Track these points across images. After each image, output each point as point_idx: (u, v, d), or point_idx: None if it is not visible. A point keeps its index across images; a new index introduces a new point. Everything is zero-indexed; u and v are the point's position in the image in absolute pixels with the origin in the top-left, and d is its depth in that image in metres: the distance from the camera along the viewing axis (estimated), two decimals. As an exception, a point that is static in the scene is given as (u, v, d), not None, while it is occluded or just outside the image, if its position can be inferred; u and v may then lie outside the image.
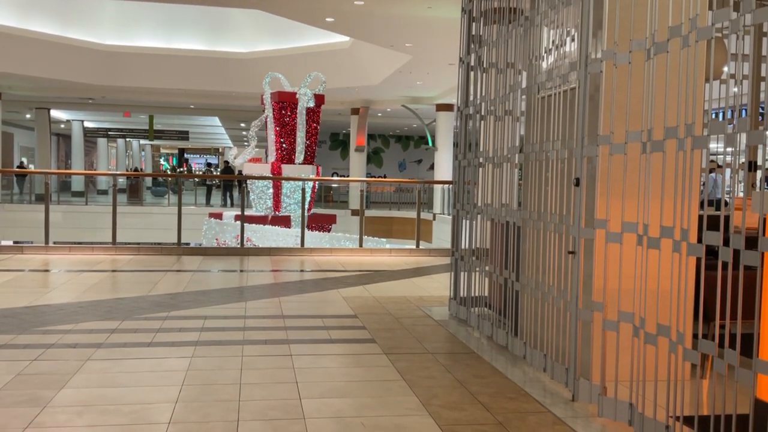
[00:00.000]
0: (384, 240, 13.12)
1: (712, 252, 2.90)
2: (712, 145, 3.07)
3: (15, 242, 13.27)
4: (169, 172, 51.11)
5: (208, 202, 24.63)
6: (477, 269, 5.33)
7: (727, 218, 2.79)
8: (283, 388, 3.76)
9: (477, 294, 5.35)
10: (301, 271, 8.44)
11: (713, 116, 3.31)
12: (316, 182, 17.15)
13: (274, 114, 15.30)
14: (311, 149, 15.56)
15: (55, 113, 30.02)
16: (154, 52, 20.07)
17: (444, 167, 22.64)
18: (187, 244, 10.79)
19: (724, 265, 2.69)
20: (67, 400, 3.48)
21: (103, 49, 19.70)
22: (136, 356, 4.35)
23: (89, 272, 7.62)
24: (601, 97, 3.66)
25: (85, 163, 35.06)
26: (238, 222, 11.87)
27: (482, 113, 5.31)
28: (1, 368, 3.99)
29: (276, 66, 17.56)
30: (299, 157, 15.28)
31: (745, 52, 2.82)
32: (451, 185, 7.82)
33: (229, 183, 24.44)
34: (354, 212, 19.67)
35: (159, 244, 12.06)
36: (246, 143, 22.67)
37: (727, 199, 4.10)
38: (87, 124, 35.12)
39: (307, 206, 12.58)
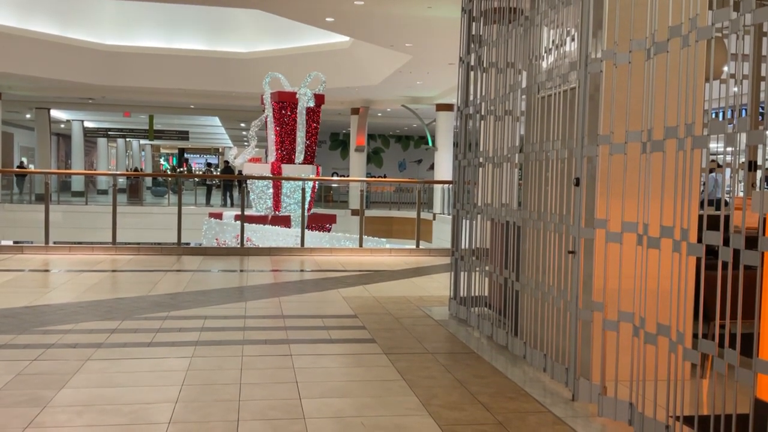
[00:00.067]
0: (384, 240, 13.12)
1: (712, 252, 2.90)
2: (712, 145, 3.07)
3: (15, 242, 13.27)
4: (169, 172, 51.12)
5: (208, 202, 24.63)
6: (477, 269, 5.33)
7: (727, 218, 2.79)
8: (283, 388, 3.76)
9: (477, 294, 5.35)
10: (301, 271, 8.44)
11: (713, 116, 3.31)
12: (316, 182, 17.15)
13: (274, 114, 15.30)
14: (311, 149, 15.56)
15: (55, 113, 30.03)
16: (154, 52, 20.07)
17: (444, 167, 22.64)
18: (187, 244, 10.79)
19: (724, 265, 2.69)
20: (67, 400, 3.48)
21: (103, 49, 19.70)
22: (136, 356, 4.35)
23: (89, 272, 7.62)
24: (601, 97, 3.66)
25: (85, 163, 35.07)
26: (238, 222, 11.88)
27: (482, 113, 5.31)
28: (1, 368, 3.99)
29: (276, 66, 17.57)
30: (299, 157, 15.28)
31: (745, 52, 2.82)
32: (451, 185, 7.82)
33: (229, 183, 24.44)
34: (354, 212, 19.68)
35: (159, 244, 12.06)
36: (246, 143, 22.67)
37: (727, 199, 4.10)
38: (87, 124, 35.12)
39: (307, 206, 12.59)
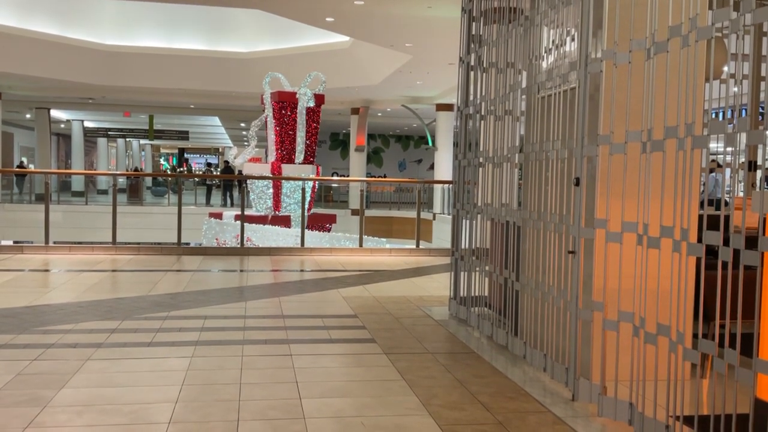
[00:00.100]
0: (384, 240, 13.12)
1: (712, 252, 2.90)
2: (712, 145, 3.07)
3: (15, 242, 13.27)
4: (169, 172, 51.11)
5: (208, 202, 24.63)
6: (477, 269, 5.33)
7: (727, 218, 2.79)
8: (283, 387, 3.77)
9: (477, 294, 5.35)
10: (301, 270, 8.44)
11: (713, 116, 3.31)
12: (316, 182, 17.16)
13: (274, 114, 15.30)
14: (311, 149, 15.56)
15: (55, 113, 30.03)
16: (154, 52, 20.07)
17: (444, 167, 22.64)
18: (187, 243, 10.79)
19: (724, 265, 2.69)
20: (67, 400, 3.48)
21: (103, 49, 19.70)
22: (136, 356, 4.35)
23: (89, 272, 7.62)
24: (601, 97, 3.66)
25: (85, 162, 35.07)
26: (238, 222, 11.88)
27: (482, 113, 5.31)
28: (1, 368, 3.99)
29: (276, 66, 17.57)
30: (299, 156, 15.28)
31: (745, 51, 2.82)
32: (451, 185, 7.82)
33: (229, 183, 24.44)
34: (354, 212, 19.68)
35: (159, 243, 12.06)
36: (246, 143, 22.67)
37: (727, 199, 4.10)
38: (87, 124, 35.13)
39: (307, 206, 12.59)
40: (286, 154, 15.34)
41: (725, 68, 4.59)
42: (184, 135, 38.60)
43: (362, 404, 3.53)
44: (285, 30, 18.08)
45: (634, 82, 3.39)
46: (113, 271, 7.91)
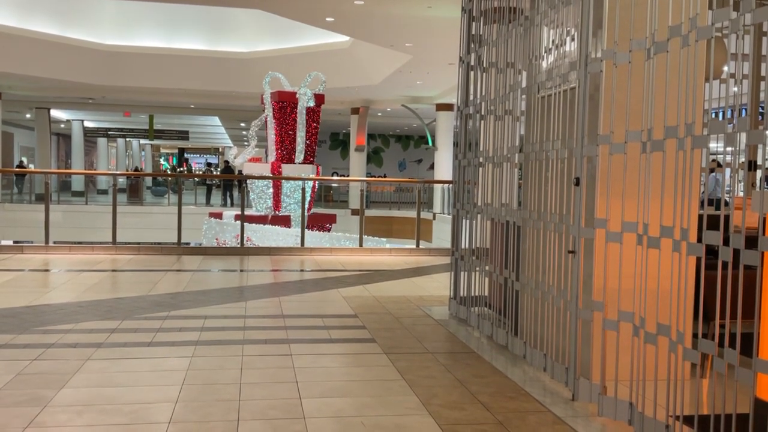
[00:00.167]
0: (384, 240, 13.12)
1: (712, 251, 2.90)
2: (712, 145, 3.07)
3: (15, 242, 13.27)
4: (169, 172, 51.11)
5: (208, 202, 24.63)
6: (477, 269, 5.33)
7: (727, 218, 2.79)
8: (284, 387, 3.77)
9: (477, 293, 5.35)
10: (301, 270, 8.44)
11: (713, 116, 3.31)
12: (316, 182, 17.16)
13: (274, 114, 15.30)
14: (311, 149, 15.56)
15: (55, 113, 30.02)
16: (154, 52, 20.07)
17: (444, 167, 22.64)
18: (187, 243, 10.79)
19: (724, 265, 2.69)
20: (67, 400, 3.48)
21: (103, 49, 19.70)
22: (136, 356, 4.35)
23: (89, 272, 7.63)
24: (601, 97, 3.66)
25: (85, 162, 35.07)
26: (238, 222, 11.88)
27: (482, 113, 5.31)
28: (1, 368, 3.99)
29: (276, 66, 17.57)
30: (299, 156, 15.28)
31: (745, 51, 2.82)
32: (451, 185, 7.81)
33: (229, 183, 24.44)
34: (354, 212, 19.68)
35: (159, 243, 12.07)
36: (246, 143, 22.67)
37: (727, 199, 4.10)
38: (87, 124, 35.13)
39: (307, 206, 12.59)
40: (286, 154, 15.34)
41: (725, 68, 4.59)
42: (184, 135, 38.61)
43: (362, 404, 3.53)
44: (285, 30, 18.08)
45: (634, 82, 3.39)
46: (113, 271, 7.91)
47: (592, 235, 3.58)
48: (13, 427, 3.11)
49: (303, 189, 11.35)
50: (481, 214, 5.25)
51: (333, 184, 26.18)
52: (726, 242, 2.65)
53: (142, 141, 46.25)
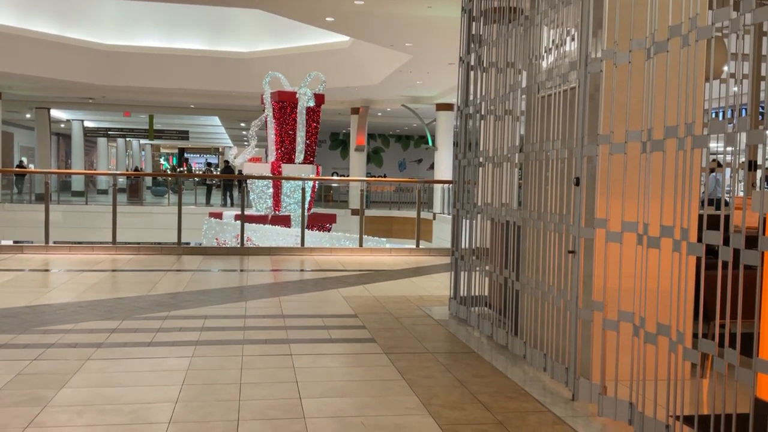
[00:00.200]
0: (384, 239, 13.12)
1: (712, 251, 2.90)
2: (712, 145, 3.07)
3: (15, 242, 13.27)
4: (169, 172, 51.11)
5: (208, 202, 24.64)
6: (477, 269, 5.33)
7: (727, 217, 2.79)
8: (284, 387, 3.77)
9: (477, 293, 5.35)
10: (301, 270, 8.44)
11: (713, 116, 3.31)
12: (316, 182, 17.16)
13: (274, 113, 15.30)
14: (311, 149, 15.56)
15: (55, 113, 30.02)
16: (154, 52, 20.07)
17: (444, 167, 22.64)
18: (187, 243, 10.79)
19: (724, 265, 2.69)
20: (67, 400, 3.48)
21: (103, 49, 19.70)
22: (136, 356, 4.35)
23: (89, 272, 7.63)
24: (601, 97, 3.66)
25: (85, 162, 35.06)
26: (238, 221, 11.88)
27: (482, 113, 5.31)
28: (1, 368, 3.99)
29: (276, 65, 17.57)
30: (299, 156, 15.29)
31: (745, 51, 2.82)
32: (451, 185, 7.81)
33: (229, 183, 24.44)
34: (354, 212, 19.68)
35: (159, 243, 12.06)
36: (246, 143, 22.67)
37: (727, 199, 4.10)
38: (87, 124, 35.13)
39: (307, 206, 12.59)
40: (286, 154, 15.35)
41: (725, 68, 4.59)
42: (184, 135, 38.61)
43: (362, 404, 3.53)
44: (285, 30, 18.08)
45: (634, 81, 3.39)
46: (113, 270, 7.91)
47: (592, 235, 3.58)
48: (13, 427, 3.11)
49: (303, 189, 11.35)
50: (481, 214, 5.25)
51: (333, 184, 26.18)
52: (726, 242, 2.65)
53: (142, 141, 46.25)
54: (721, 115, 2.95)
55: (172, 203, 22.63)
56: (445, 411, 3.44)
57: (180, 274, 7.73)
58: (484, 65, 5.30)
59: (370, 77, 19.47)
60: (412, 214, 19.15)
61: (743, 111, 4.05)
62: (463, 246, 5.64)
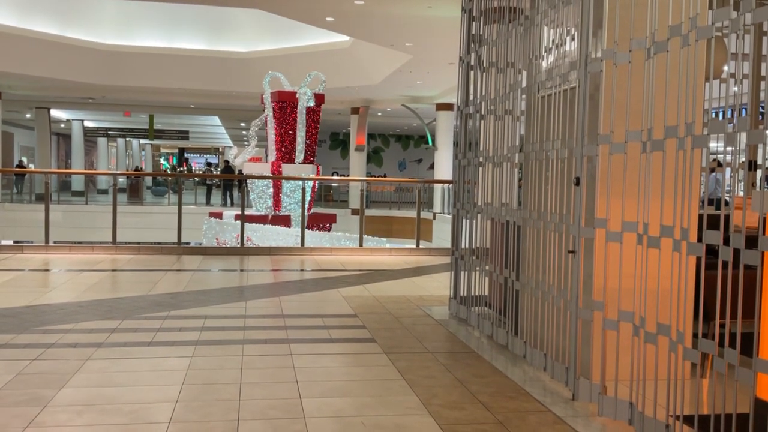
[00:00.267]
0: (384, 239, 13.13)
1: (712, 251, 2.90)
2: (712, 145, 3.07)
3: (15, 242, 13.27)
4: (169, 172, 51.11)
5: (208, 202, 24.64)
6: (477, 268, 5.33)
7: (727, 217, 2.79)
8: (284, 387, 3.77)
9: (477, 293, 5.35)
10: (301, 270, 8.44)
11: (713, 115, 3.31)
12: (316, 182, 17.16)
13: (274, 113, 15.30)
14: (311, 149, 15.56)
15: (55, 113, 30.02)
16: (154, 52, 20.07)
17: (444, 167, 22.64)
18: (187, 243, 10.80)
19: (724, 265, 2.69)
20: (67, 400, 3.48)
21: (103, 49, 19.70)
22: (136, 356, 4.35)
23: (89, 272, 7.63)
24: (601, 97, 3.66)
25: (85, 162, 35.06)
26: (238, 221, 11.88)
27: (482, 112, 5.31)
28: (1, 368, 3.99)
29: (276, 65, 17.57)
30: (299, 156, 15.29)
31: (745, 51, 2.82)
32: (451, 184, 7.81)
33: (229, 182, 24.44)
34: (354, 212, 19.69)
35: (159, 243, 12.07)
36: (246, 143, 22.67)
37: (727, 199, 4.10)
38: (87, 124, 35.12)
39: (307, 206, 12.59)
40: (286, 154, 15.35)
41: (725, 68, 4.59)
42: (184, 135, 38.60)
43: (362, 404, 3.53)
44: (285, 30, 18.08)
45: (634, 81, 3.39)
46: (113, 270, 7.91)
47: (592, 235, 3.58)
48: (13, 427, 3.11)
49: (303, 189, 11.34)
50: (481, 214, 5.25)
51: (333, 184, 26.19)
52: (726, 242, 2.65)
53: (142, 141, 46.25)
54: (721, 114, 2.95)
55: (172, 203, 22.64)
56: (445, 411, 3.44)
57: (180, 273, 7.73)
58: (484, 65, 5.30)
59: (370, 77, 19.47)
60: (412, 213, 19.15)
61: (743, 111, 4.05)
62: (463, 246, 5.64)
